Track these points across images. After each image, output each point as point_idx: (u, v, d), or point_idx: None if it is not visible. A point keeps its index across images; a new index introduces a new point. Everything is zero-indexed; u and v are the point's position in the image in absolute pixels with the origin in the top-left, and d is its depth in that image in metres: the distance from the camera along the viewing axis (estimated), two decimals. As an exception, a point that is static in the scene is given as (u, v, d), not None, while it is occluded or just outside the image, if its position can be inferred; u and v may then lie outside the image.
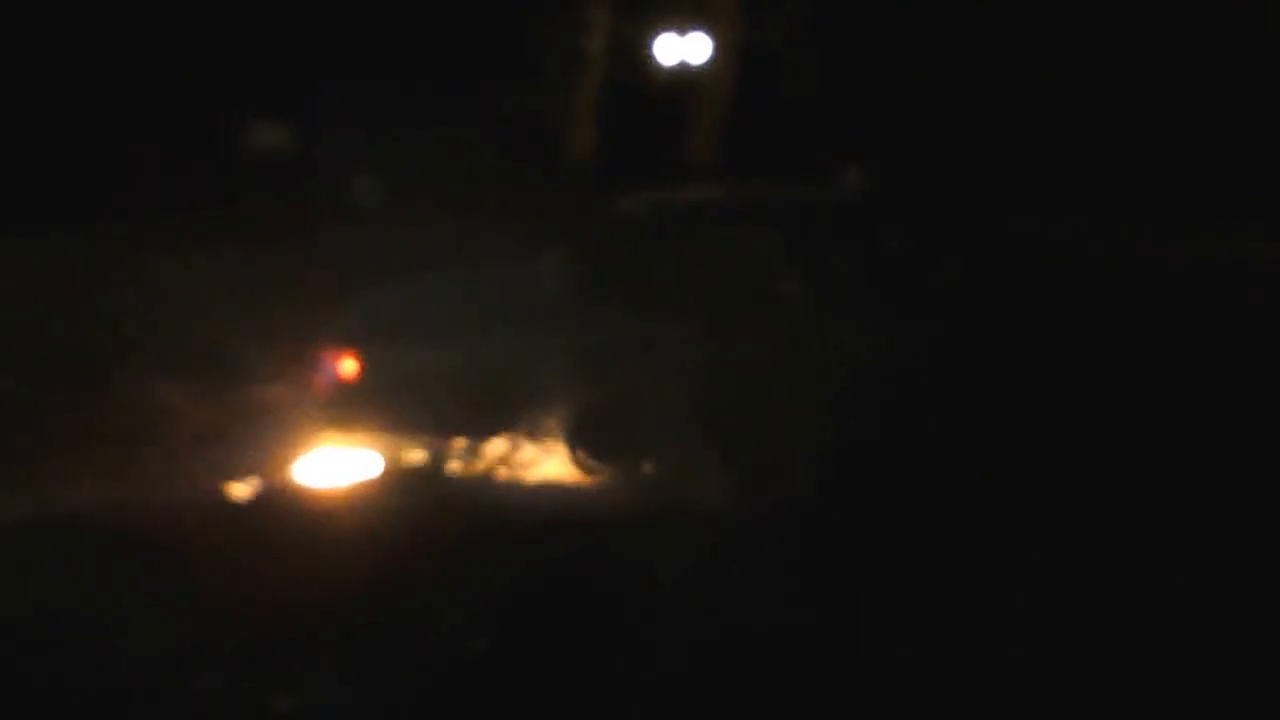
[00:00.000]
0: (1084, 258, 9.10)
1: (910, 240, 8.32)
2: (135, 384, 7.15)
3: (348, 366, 6.98)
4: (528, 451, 6.89)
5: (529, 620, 5.50)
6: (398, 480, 6.81)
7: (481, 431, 6.83)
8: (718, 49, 11.63)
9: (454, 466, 6.85)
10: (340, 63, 10.53)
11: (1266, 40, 10.92)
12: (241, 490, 6.55)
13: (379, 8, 11.01)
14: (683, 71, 11.71)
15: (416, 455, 6.91)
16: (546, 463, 6.88)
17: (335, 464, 6.90)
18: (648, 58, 11.74)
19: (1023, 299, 8.14)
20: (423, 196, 9.44)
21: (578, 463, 6.93)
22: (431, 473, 6.81)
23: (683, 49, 11.69)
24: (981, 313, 7.97)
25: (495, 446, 6.90)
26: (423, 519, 6.32)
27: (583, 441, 6.95)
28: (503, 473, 6.80)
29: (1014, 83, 10.87)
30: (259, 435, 6.89)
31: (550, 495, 6.64)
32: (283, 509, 6.51)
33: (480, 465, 6.85)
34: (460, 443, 6.89)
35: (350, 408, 6.91)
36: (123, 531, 6.00)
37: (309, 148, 10.26)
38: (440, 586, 5.77)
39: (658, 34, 11.69)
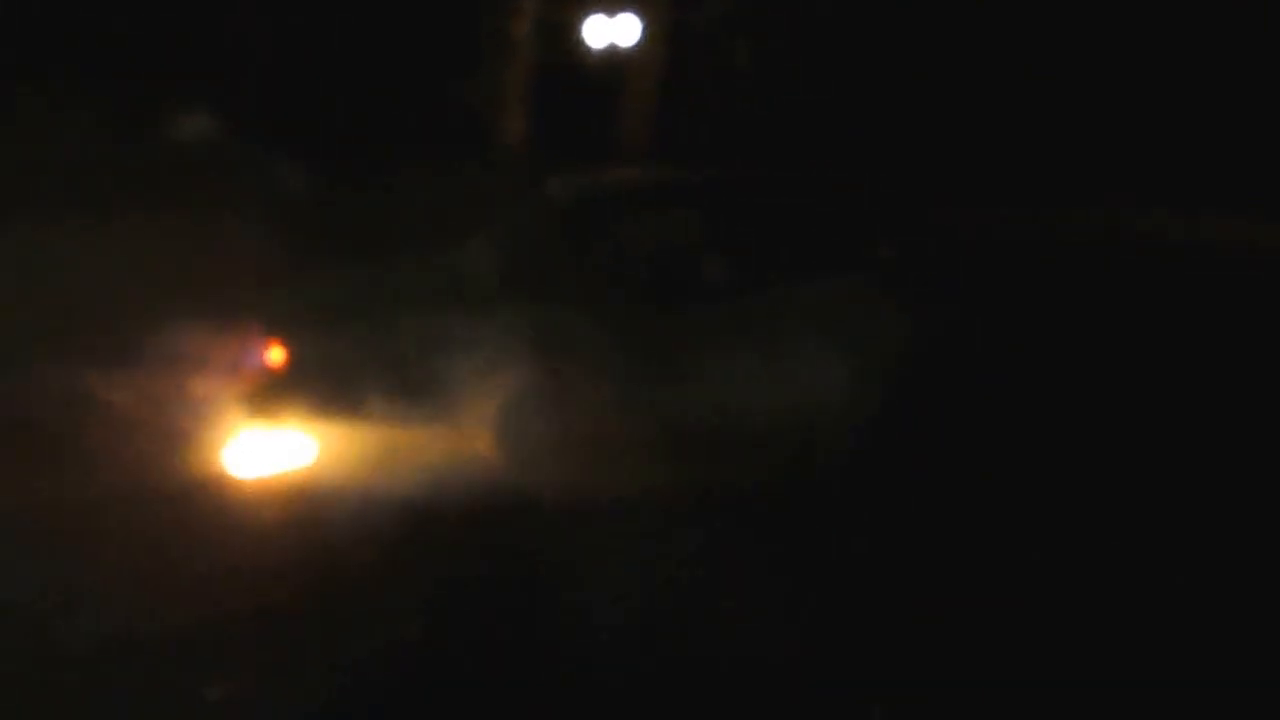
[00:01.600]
0: (1020, 239, 9.16)
1: (843, 220, 8.30)
2: (58, 372, 7.08)
3: (274, 354, 6.93)
4: (453, 438, 6.88)
5: (461, 608, 5.50)
6: (328, 466, 6.78)
7: (407, 418, 6.81)
8: (647, 32, 11.61)
9: (381, 453, 6.82)
10: (272, 51, 10.49)
11: (1248, 28, 10.96)
12: (168, 479, 6.50)
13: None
14: (612, 54, 11.69)
15: (345, 442, 6.89)
16: (470, 449, 6.87)
17: (264, 450, 6.85)
18: (578, 41, 11.71)
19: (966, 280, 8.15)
20: (352, 183, 9.40)
21: (501, 448, 6.93)
22: (359, 459, 6.79)
23: (612, 32, 11.66)
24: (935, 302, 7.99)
25: (421, 433, 6.88)
26: (352, 505, 6.30)
27: (508, 427, 6.96)
28: (429, 459, 6.79)
29: (955, 58, 10.90)
30: (185, 423, 6.84)
31: (473, 483, 6.62)
32: (211, 497, 6.47)
33: (406, 452, 6.83)
34: (387, 429, 6.87)
35: (276, 395, 6.86)
36: (49, 524, 5.96)
37: (236, 132, 10.18)
38: (372, 574, 5.76)
39: (587, 17, 11.67)
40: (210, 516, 6.27)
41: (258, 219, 8.58)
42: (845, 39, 11.20)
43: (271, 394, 6.85)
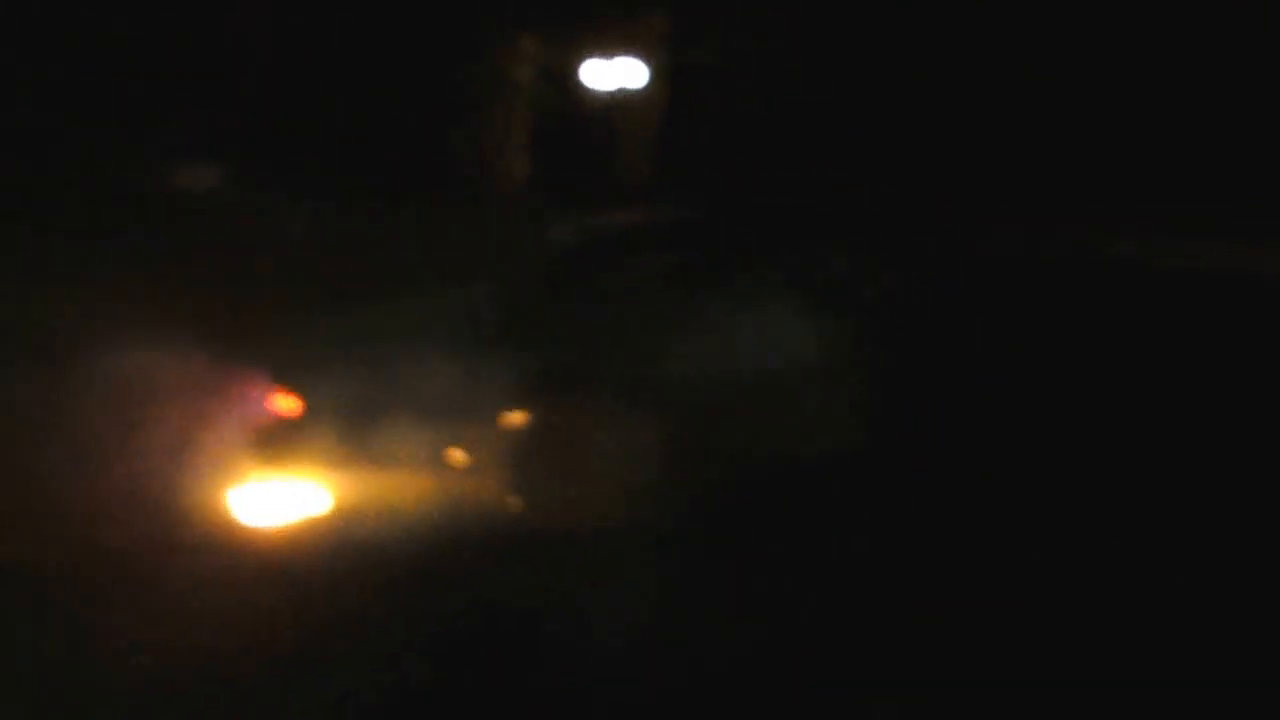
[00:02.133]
0: (1037, 265, 9.14)
1: (853, 258, 8.29)
2: (59, 415, 7.01)
3: (281, 400, 6.88)
4: (462, 484, 6.83)
5: (472, 659, 5.44)
6: (342, 516, 6.72)
7: (414, 465, 6.76)
8: (647, 73, 11.60)
9: (389, 501, 6.76)
10: (264, 98, 10.45)
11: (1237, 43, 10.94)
12: (174, 530, 6.43)
13: (299, 38, 10.92)
14: (612, 96, 11.67)
15: (360, 489, 6.83)
16: (478, 496, 6.81)
17: (271, 500, 6.79)
18: (577, 84, 11.70)
19: (979, 315, 8.13)
20: (351, 228, 9.35)
21: (513, 495, 6.87)
22: (369, 506, 6.73)
23: (612, 74, 11.65)
24: (925, 330, 7.98)
25: (428, 480, 6.83)
26: (368, 554, 6.24)
27: (518, 474, 6.90)
28: (435, 506, 6.72)
29: (967, 89, 10.88)
30: (190, 472, 6.78)
31: (495, 527, 6.57)
32: (218, 549, 6.40)
33: (415, 500, 6.77)
34: (403, 475, 6.81)
35: (284, 442, 6.81)
36: (51, 579, 5.88)
37: (234, 177, 10.14)
38: (382, 622, 5.69)
39: (586, 59, 11.65)
40: (218, 568, 6.22)
41: (259, 259, 8.53)
42: (848, 76, 11.16)
43: (279, 441, 6.79)
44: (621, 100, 11.65)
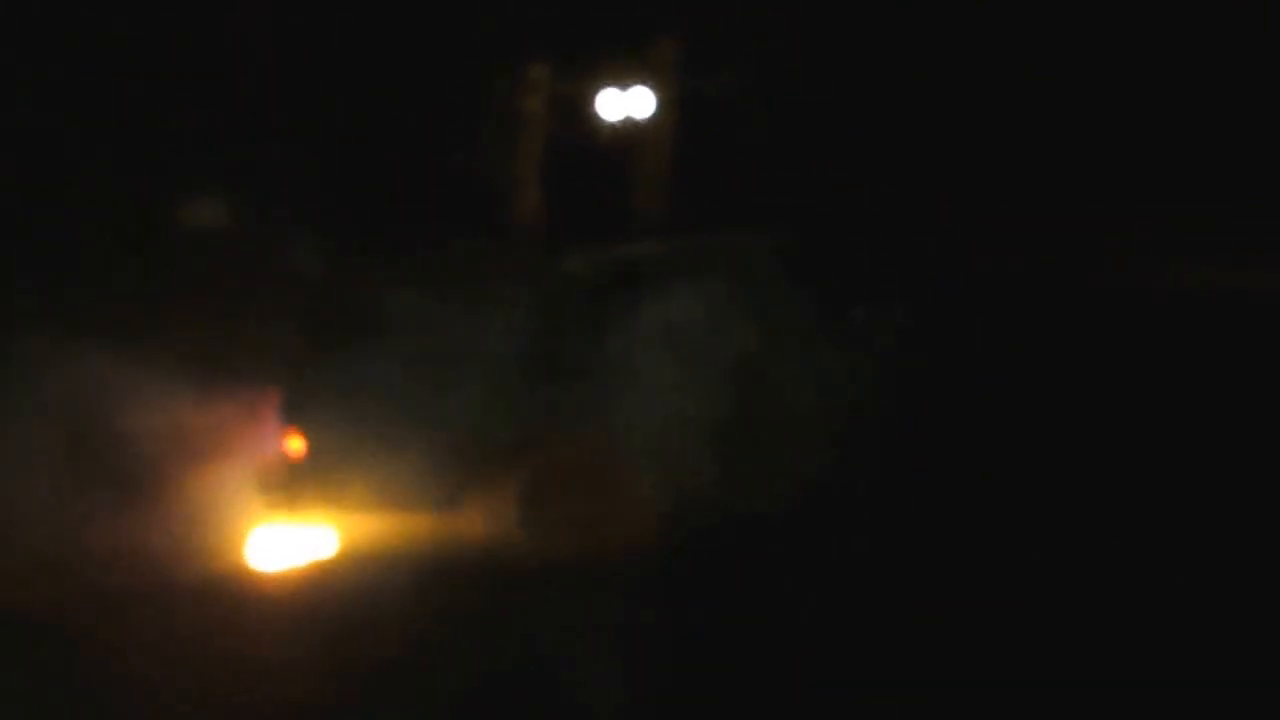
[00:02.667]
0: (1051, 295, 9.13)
1: (866, 288, 8.26)
2: (76, 455, 6.99)
3: (295, 441, 6.87)
4: (482, 522, 6.79)
5: (487, 698, 5.40)
6: (351, 559, 6.69)
7: (433, 503, 6.73)
8: (660, 102, 11.58)
9: (408, 541, 6.73)
10: (279, 128, 10.44)
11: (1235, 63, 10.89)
12: (185, 574, 6.40)
13: (314, 72, 10.92)
14: (626, 126, 11.65)
15: (369, 531, 6.80)
16: (500, 534, 6.77)
17: (282, 543, 6.76)
18: (590, 114, 11.68)
19: (990, 344, 8.12)
20: (364, 262, 9.33)
21: (531, 532, 6.83)
22: (385, 549, 6.70)
23: (625, 104, 11.63)
24: (940, 361, 7.98)
25: (448, 518, 6.79)
26: (378, 597, 6.20)
27: (536, 511, 6.86)
28: (458, 545, 6.69)
29: (972, 121, 10.85)
30: (202, 515, 6.76)
31: (507, 566, 6.54)
32: (230, 592, 6.37)
33: (428, 540, 6.74)
34: (413, 516, 6.79)
35: (295, 484, 6.79)
36: (63, 624, 5.86)
37: (246, 216, 10.14)
38: (400, 670, 5.65)
39: (599, 90, 11.64)
40: (229, 612, 6.18)
41: (271, 300, 8.51)
42: (860, 104, 11.14)
43: (291, 483, 6.77)
44: (634, 129, 11.64)
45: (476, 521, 6.79)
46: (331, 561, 6.68)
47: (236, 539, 6.72)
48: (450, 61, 11.09)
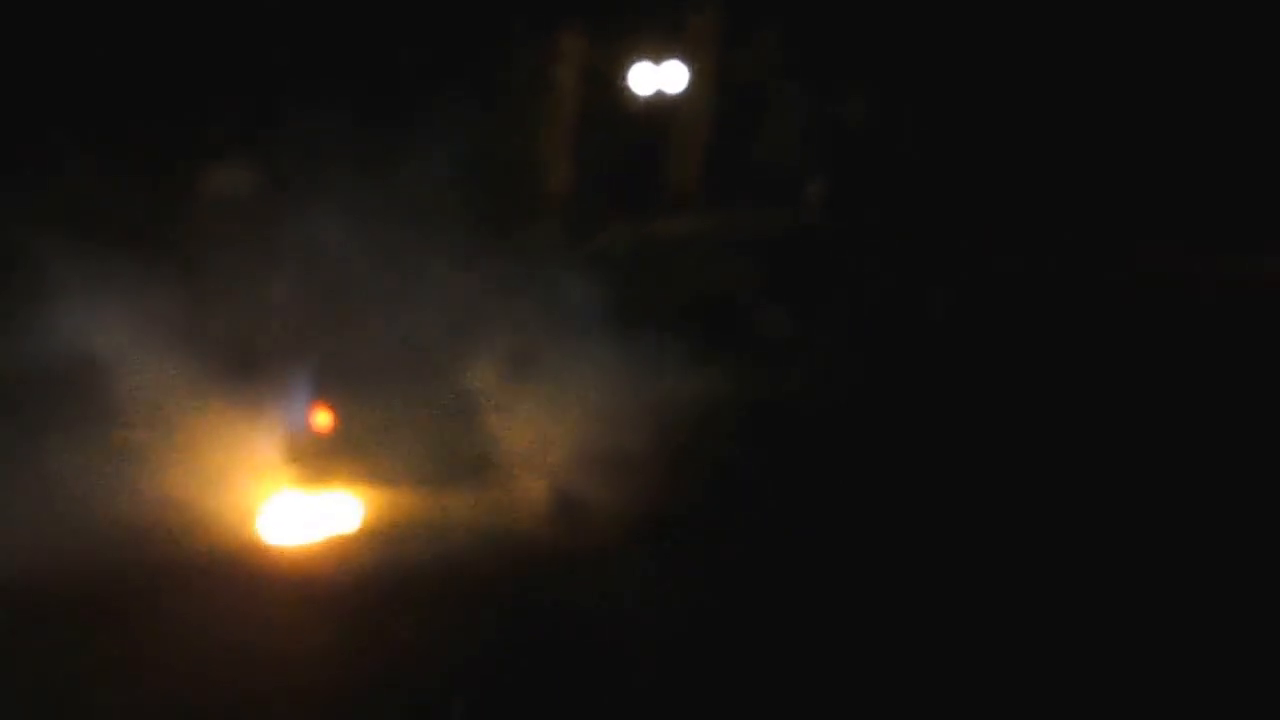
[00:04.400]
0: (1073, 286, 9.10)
1: (891, 270, 8.29)
2: (94, 428, 6.92)
3: (321, 415, 6.85)
4: (513, 499, 6.77)
5: (509, 677, 5.38)
6: (376, 533, 6.67)
7: (462, 480, 6.74)
8: (695, 77, 11.47)
9: (435, 517, 6.70)
10: (302, 98, 10.37)
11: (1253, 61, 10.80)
12: (209, 546, 6.36)
13: (339, 41, 10.85)
14: (659, 101, 11.55)
15: (395, 506, 6.79)
16: (533, 511, 6.73)
17: (310, 516, 6.74)
18: (623, 88, 11.58)
19: (1008, 329, 8.14)
20: (392, 236, 9.28)
21: (564, 509, 6.80)
22: (411, 524, 6.68)
23: (659, 78, 11.52)
24: (961, 342, 8.00)
25: (478, 495, 6.78)
26: (401, 573, 6.18)
27: (571, 487, 6.84)
28: (487, 523, 6.65)
29: (1004, 109, 10.76)
30: (228, 486, 6.73)
31: (534, 546, 6.51)
32: (253, 565, 6.35)
33: (462, 515, 6.70)
34: (441, 492, 6.78)
35: (323, 457, 6.78)
36: (86, 593, 5.83)
37: (271, 186, 10.08)
38: (419, 646, 5.62)
39: (632, 64, 11.53)
40: (250, 585, 6.15)
41: (300, 272, 8.43)
42: (898, 82, 11.03)
43: (319, 457, 6.77)
44: (668, 105, 11.54)
45: (506, 496, 6.79)
46: (354, 536, 6.66)
47: (256, 512, 6.68)
48: (480, 30, 11.02)
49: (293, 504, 6.73)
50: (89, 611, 5.75)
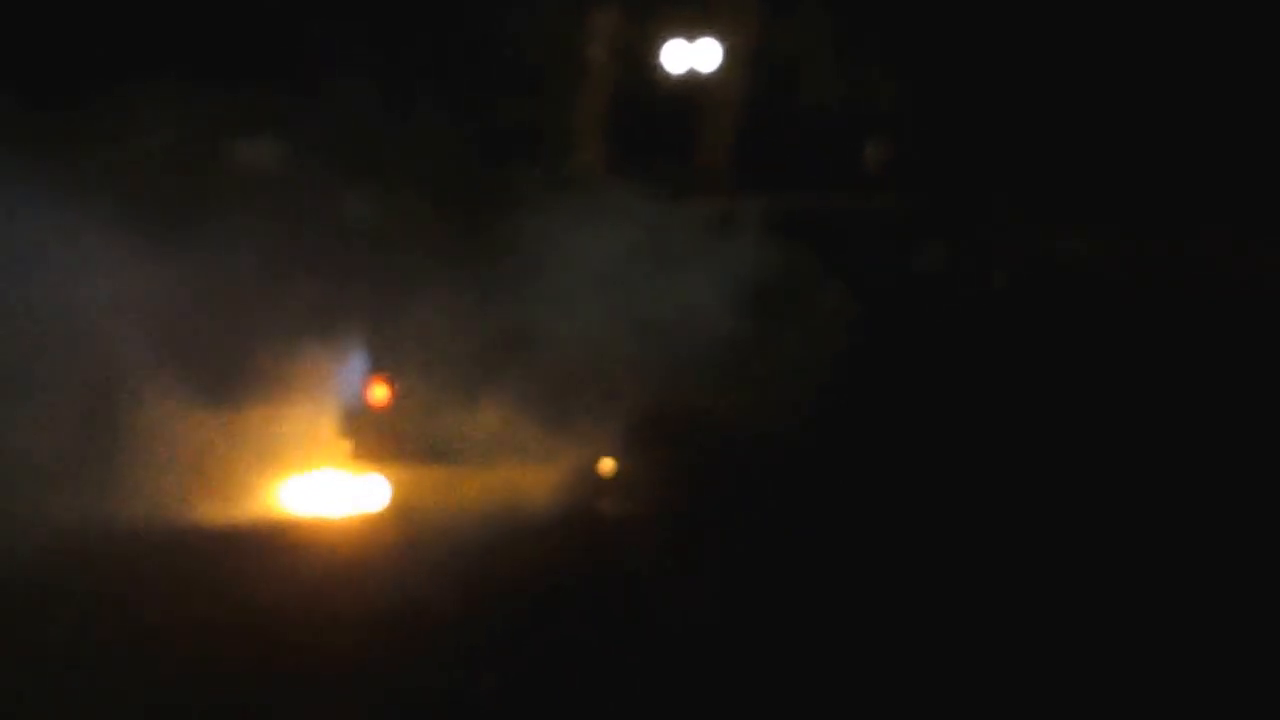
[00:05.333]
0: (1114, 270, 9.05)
1: (939, 252, 8.25)
2: (136, 398, 6.88)
3: (380, 388, 6.86)
4: (563, 476, 6.76)
5: (539, 660, 5.37)
6: (404, 510, 6.66)
7: (493, 459, 6.73)
8: (728, 56, 11.38)
9: (470, 495, 6.68)
10: (328, 73, 10.34)
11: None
12: (232, 517, 6.37)
13: (368, 13, 10.81)
14: (692, 80, 11.47)
15: (427, 484, 6.77)
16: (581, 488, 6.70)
17: (340, 491, 6.74)
18: (655, 66, 11.50)
19: (1058, 314, 8.09)
20: (420, 215, 9.24)
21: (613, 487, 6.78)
22: (441, 503, 6.65)
23: (692, 56, 11.45)
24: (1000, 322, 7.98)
25: (527, 471, 6.77)
26: (427, 551, 6.16)
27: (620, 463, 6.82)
28: (525, 499, 6.62)
29: (1046, 88, 10.68)
30: (260, 459, 6.73)
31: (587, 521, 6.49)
32: (276, 537, 6.35)
33: (499, 492, 6.69)
34: (473, 471, 6.77)
35: (378, 432, 6.79)
36: (116, 559, 5.84)
37: (298, 165, 10.06)
38: (448, 622, 5.61)
39: (665, 41, 11.45)
40: (275, 557, 6.16)
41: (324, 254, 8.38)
42: (930, 64, 10.95)
43: (373, 432, 6.78)
44: (701, 83, 11.47)
45: (558, 475, 6.78)
46: (387, 512, 6.67)
47: (295, 486, 6.68)
48: (511, 6, 10.97)
49: (331, 479, 6.74)
50: (118, 578, 5.75)
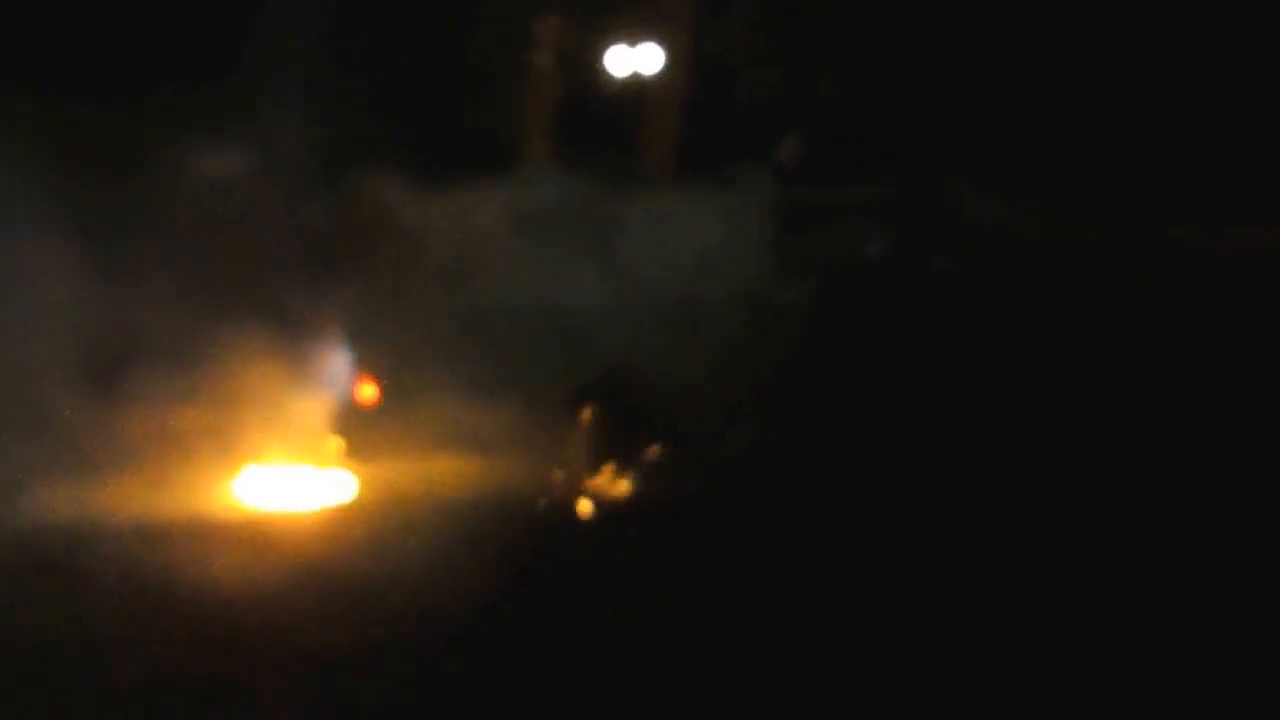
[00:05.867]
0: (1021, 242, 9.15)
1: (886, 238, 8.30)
2: (131, 389, 6.94)
3: (367, 386, 6.91)
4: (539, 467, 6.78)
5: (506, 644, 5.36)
6: (370, 504, 6.68)
7: (496, 447, 6.75)
8: (669, 59, 11.53)
9: (440, 490, 6.70)
10: (285, 80, 10.37)
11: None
12: (193, 511, 6.35)
13: (322, 25, 10.84)
14: (635, 83, 11.59)
15: (394, 478, 6.80)
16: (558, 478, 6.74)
17: (307, 485, 6.76)
18: (599, 70, 11.62)
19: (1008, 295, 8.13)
20: (371, 217, 9.26)
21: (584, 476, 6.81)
22: (409, 496, 6.68)
23: (634, 60, 11.58)
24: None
25: (509, 462, 6.79)
26: (397, 544, 6.16)
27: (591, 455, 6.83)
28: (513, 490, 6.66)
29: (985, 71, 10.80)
30: (224, 454, 6.73)
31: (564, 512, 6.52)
32: (237, 532, 6.30)
33: (470, 485, 6.72)
34: (440, 464, 6.80)
35: (369, 427, 6.81)
36: (79, 552, 5.85)
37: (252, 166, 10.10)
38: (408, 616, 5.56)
39: (608, 45, 11.58)
40: (239, 551, 6.10)
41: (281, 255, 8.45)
42: (871, 60, 11.10)
43: (361, 428, 6.78)
44: (644, 86, 11.58)
45: (535, 465, 6.76)
46: (352, 507, 6.67)
47: (262, 480, 6.71)
48: (457, 13, 11.02)
49: (296, 473, 6.76)
50: (76, 573, 5.75)
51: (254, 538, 6.30)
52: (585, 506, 6.62)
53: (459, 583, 5.78)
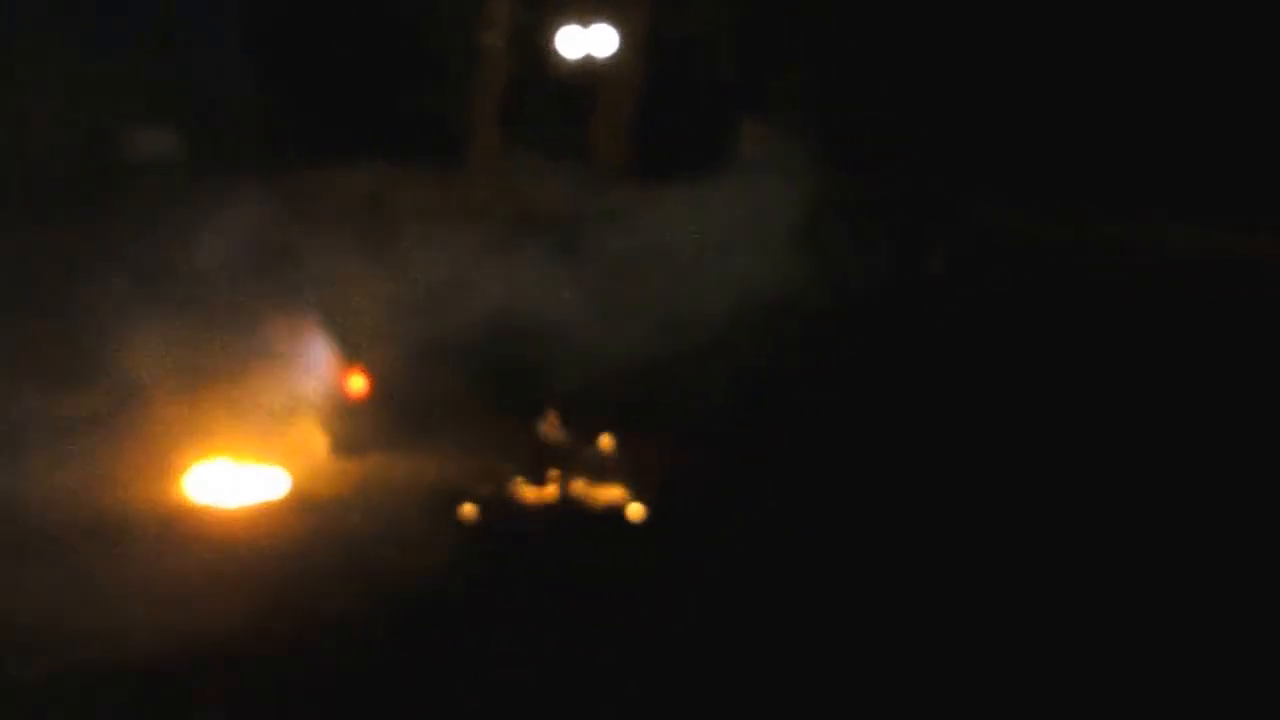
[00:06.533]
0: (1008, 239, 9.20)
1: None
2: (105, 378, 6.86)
3: (356, 380, 6.89)
4: (434, 470, 6.75)
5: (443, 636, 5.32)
6: (301, 501, 6.63)
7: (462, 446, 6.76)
8: (623, 41, 11.43)
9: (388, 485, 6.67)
10: (230, 63, 10.29)
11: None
12: (128, 505, 6.30)
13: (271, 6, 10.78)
14: (588, 65, 11.50)
15: (329, 473, 6.78)
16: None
17: (240, 481, 6.71)
18: (551, 52, 11.53)
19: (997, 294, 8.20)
20: (319, 204, 9.20)
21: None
22: (337, 494, 6.64)
23: (587, 42, 11.48)
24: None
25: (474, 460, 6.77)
26: (332, 541, 6.12)
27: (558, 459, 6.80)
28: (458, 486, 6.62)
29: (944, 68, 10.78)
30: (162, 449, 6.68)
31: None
32: (172, 526, 6.26)
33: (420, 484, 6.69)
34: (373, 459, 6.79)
35: (359, 422, 6.81)
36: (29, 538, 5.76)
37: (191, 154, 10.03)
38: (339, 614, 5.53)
39: (560, 27, 11.48)
40: (177, 546, 6.07)
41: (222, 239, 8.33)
42: (829, 43, 11.04)
43: (350, 422, 6.78)
44: (596, 68, 11.51)
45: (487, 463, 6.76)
46: (285, 502, 6.63)
47: (197, 476, 6.65)
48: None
49: (232, 469, 6.72)
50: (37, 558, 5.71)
51: (185, 533, 6.25)
52: (529, 506, 6.61)
53: (382, 581, 5.74)
